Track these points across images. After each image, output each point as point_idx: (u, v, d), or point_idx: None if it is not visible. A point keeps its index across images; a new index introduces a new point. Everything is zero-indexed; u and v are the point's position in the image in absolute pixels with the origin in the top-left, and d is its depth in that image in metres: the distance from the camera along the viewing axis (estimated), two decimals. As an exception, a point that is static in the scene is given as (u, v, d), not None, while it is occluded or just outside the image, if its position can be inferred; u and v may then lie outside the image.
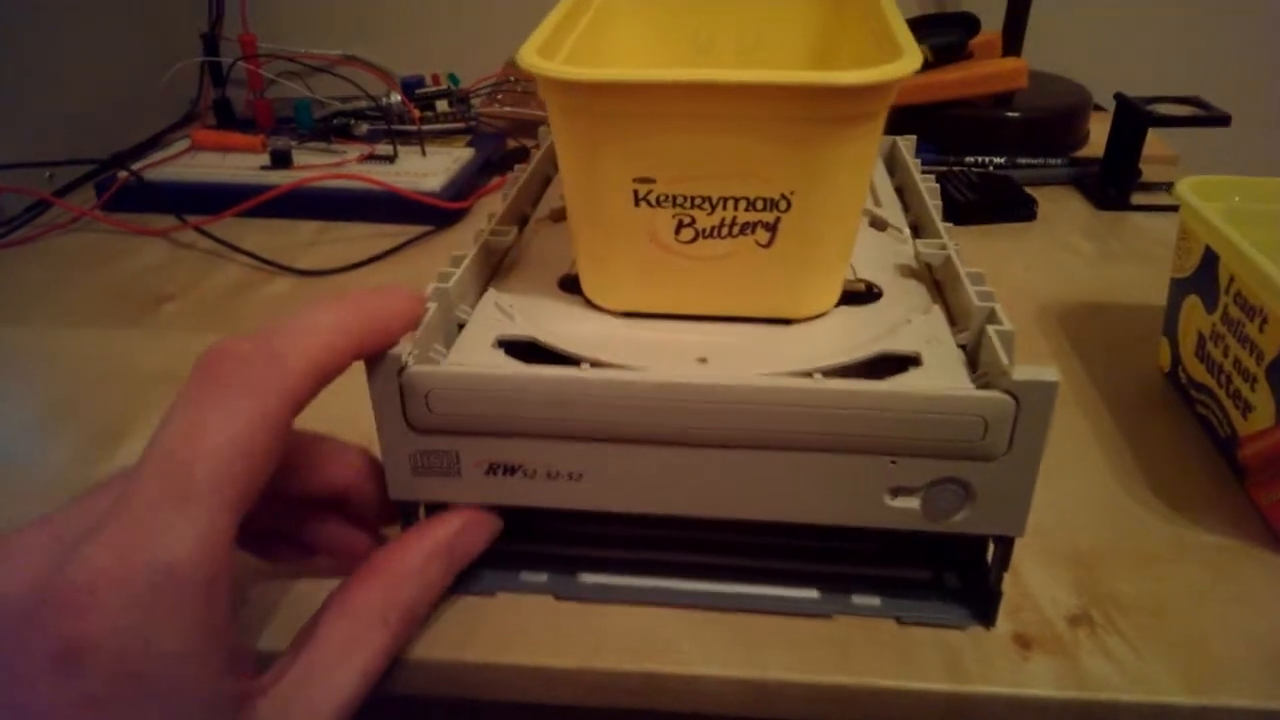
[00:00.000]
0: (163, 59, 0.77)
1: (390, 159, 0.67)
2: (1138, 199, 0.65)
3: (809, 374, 0.28)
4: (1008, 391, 0.27)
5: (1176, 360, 0.43)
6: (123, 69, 0.76)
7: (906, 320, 0.32)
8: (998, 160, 0.69)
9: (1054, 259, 0.58)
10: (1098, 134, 0.76)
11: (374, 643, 0.26)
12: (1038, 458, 0.28)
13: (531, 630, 0.31)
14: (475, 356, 0.30)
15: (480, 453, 0.30)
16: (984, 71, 0.71)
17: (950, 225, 0.37)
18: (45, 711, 0.19)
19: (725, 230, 0.31)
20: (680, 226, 0.31)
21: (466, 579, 0.32)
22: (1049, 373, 0.26)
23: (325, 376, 0.25)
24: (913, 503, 0.29)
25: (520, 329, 0.32)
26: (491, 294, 0.34)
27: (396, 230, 0.62)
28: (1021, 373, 0.26)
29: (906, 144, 0.48)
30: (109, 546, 0.20)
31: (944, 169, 0.68)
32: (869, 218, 0.40)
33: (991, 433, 0.27)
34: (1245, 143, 0.65)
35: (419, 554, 0.29)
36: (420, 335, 0.29)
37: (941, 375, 0.29)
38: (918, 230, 0.40)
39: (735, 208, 0.30)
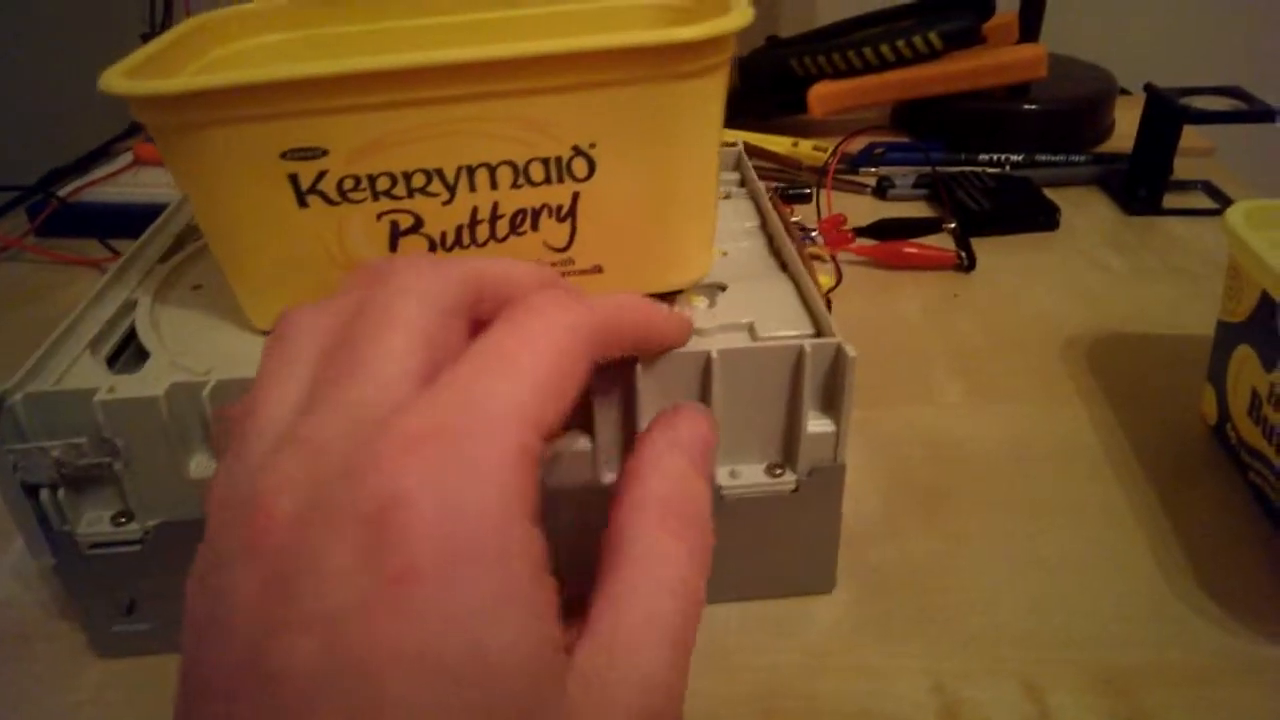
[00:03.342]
0: (108, 62, 0.72)
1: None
2: (1170, 201, 0.59)
3: None
4: None
5: (1225, 415, 0.37)
6: (63, 74, 0.71)
7: None
8: (1014, 158, 0.63)
9: (1080, 278, 0.52)
10: (1124, 123, 0.70)
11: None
12: None
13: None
14: None
15: None
16: (998, 60, 0.65)
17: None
18: (354, 588, 0.15)
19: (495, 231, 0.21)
20: (396, 235, 0.21)
21: None
22: None
23: (615, 347, 0.21)
24: None
25: None
26: None
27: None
28: None
29: None
30: (425, 408, 0.17)
31: (955, 170, 0.62)
32: None
33: None
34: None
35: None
36: None
37: None
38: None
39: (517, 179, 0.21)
